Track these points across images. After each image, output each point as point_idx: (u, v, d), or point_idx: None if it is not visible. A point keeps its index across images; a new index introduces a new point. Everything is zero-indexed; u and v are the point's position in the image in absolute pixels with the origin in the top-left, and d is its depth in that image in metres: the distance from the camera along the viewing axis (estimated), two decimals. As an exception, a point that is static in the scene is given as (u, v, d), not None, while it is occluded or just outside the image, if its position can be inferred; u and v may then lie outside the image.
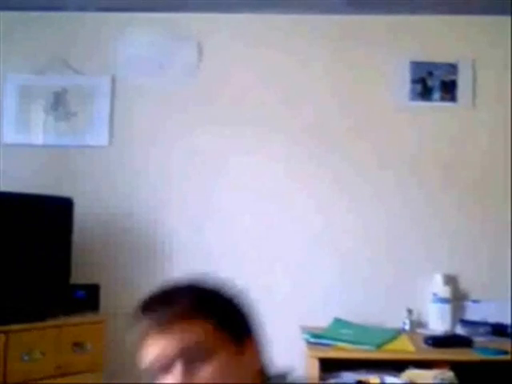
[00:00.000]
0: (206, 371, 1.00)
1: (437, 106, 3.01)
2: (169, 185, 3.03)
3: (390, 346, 2.54)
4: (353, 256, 2.96)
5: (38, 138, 3.06)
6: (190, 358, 1.01)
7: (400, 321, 2.83)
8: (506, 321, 2.79)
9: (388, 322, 2.87)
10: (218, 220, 3.00)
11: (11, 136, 3.07)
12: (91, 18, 3.10)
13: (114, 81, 3.07)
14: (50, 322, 2.47)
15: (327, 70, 3.06)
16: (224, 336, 1.03)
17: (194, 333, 1.01)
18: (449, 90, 3.02)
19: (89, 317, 2.70)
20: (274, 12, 3.02)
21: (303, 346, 2.64)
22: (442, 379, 2.26)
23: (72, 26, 3.10)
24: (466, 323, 2.81)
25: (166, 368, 1.06)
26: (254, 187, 3.01)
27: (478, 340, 2.62)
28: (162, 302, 1.09)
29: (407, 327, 2.82)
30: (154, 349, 1.06)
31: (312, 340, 2.57)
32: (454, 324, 2.85)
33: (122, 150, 3.05)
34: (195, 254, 2.98)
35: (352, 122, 3.02)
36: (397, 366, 2.43)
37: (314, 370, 2.46)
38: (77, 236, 2.70)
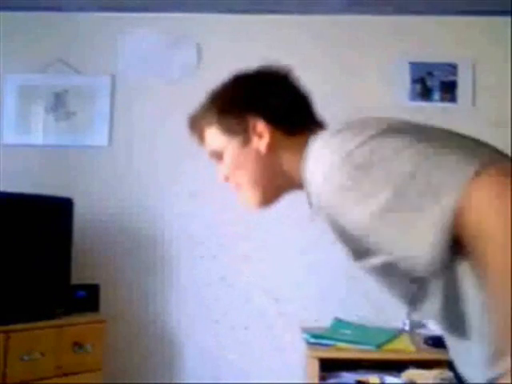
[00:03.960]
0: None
1: (437, 107, 3.01)
2: (169, 184, 3.03)
3: (390, 346, 2.55)
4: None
5: (37, 138, 3.06)
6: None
7: (400, 321, 2.84)
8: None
9: (388, 322, 2.87)
10: (218, 220, 3.00)
11: (11, 136, 3.07)
12: (91, 18, 3.11)
13: (113, 81, 3.08)
14: (50, 322, 2.47)
15: (327, 70, 3.06)
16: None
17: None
18: (449, 90, 3.02)
19: (89, 317, 2.70)
20: (273, 12, 3.02)
21: (303, 345, 2.65)
22: (442, 379, 2.26)
23: (72, 26, 3.10)
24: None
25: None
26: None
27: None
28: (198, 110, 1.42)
29: (407, 327, 2.82)
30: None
31: (312, 340, 2.57)
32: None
33: (121, 150, 3.06)
34: (196, 254, 2.98)
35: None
36: (397, 366, 2.43)
37: (314, 369, 2.46)
38: (77, 236, 2.70)
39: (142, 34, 3.08)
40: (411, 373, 2.37)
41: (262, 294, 2.96)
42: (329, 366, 2.49)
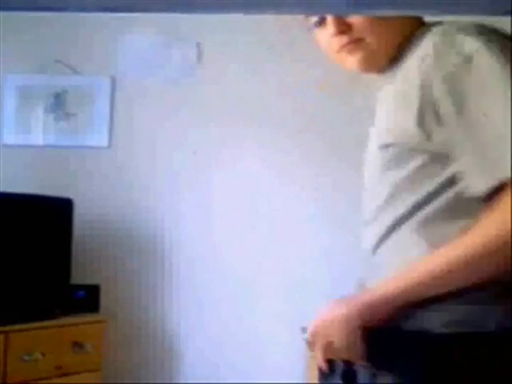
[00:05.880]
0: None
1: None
2: (169, 185, 3.03)
3: (390, 346, 2.54)
4: (354, 256, 2.95)
5: (37, 138, 3.06)
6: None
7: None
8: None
9: (388, 322, 2.86)
10: (219, 221, 3.00)
11: (11, 137, 3.07)
12: (91, 18, 3.10)
13: (113, 81, 3.08)
14: (50, 322, 2.48)
15: (328, 70, 3.05)
16: None
17: None
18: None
19: (89, 317, 2.70)
20: (273, 12, 3.02)
21: (303, 346, 2.64)
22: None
23: (72, 26, 3.10)
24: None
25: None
26: (256, 187, 3.01)
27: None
28: None
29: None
30: None
31: (312, 340, 2.56)
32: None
33: (121, 151, 3.06)
34: (195, 254, 2.99)
35: (352, 121, 3.02)
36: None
37: (314, 370, 2.46)
38: (77, 236, 2.70)
39: (141, 34, 3.08)
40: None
41: (262, 294, 2.96)
42: (329, 366, 2.49)
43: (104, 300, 2.86)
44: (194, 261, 2.98)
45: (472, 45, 1.05)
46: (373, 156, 1.21)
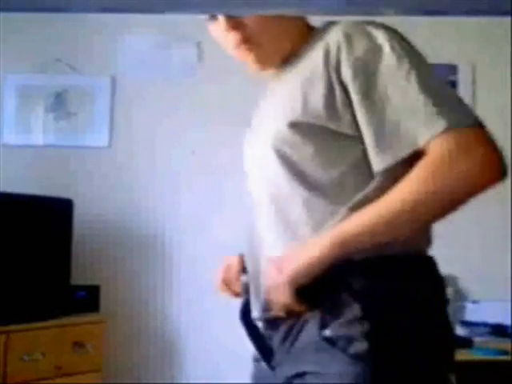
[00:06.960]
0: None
1: (437, 107, 3.01)
2: (169, 185, 3.03)
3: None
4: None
5: (38, 138, 3.06)
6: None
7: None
8: (506, 321, 2.79)
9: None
10: (219, 220, 3.00)
11: (11, 137, 3.07)
12: (91, 18, 3.10)
13: (114, 81, 3.08)
14: (50, 322, 2.48)
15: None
16: None
17: None
18: (449, 90, 3.02)
19: (89, 317, 2.70)
20: (273, 12, 3.02)
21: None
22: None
23: (72, 26, 3.10)
24: (465, 324, 2.81)
25: None
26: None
27: (478, 340, 2.62)
28: None
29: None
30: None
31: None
32: (453, 325, 2.85)
33: (122, 151, 3.06)
34: (195, 254, 2.98)
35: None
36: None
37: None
38: (77, 236, 2.70)
39: (141, 34, 3.08)
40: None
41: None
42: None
43: (104, 300, 2.86)
44: (194, 261, 2.98)
45: (383, 36, 1.14)
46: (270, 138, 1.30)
